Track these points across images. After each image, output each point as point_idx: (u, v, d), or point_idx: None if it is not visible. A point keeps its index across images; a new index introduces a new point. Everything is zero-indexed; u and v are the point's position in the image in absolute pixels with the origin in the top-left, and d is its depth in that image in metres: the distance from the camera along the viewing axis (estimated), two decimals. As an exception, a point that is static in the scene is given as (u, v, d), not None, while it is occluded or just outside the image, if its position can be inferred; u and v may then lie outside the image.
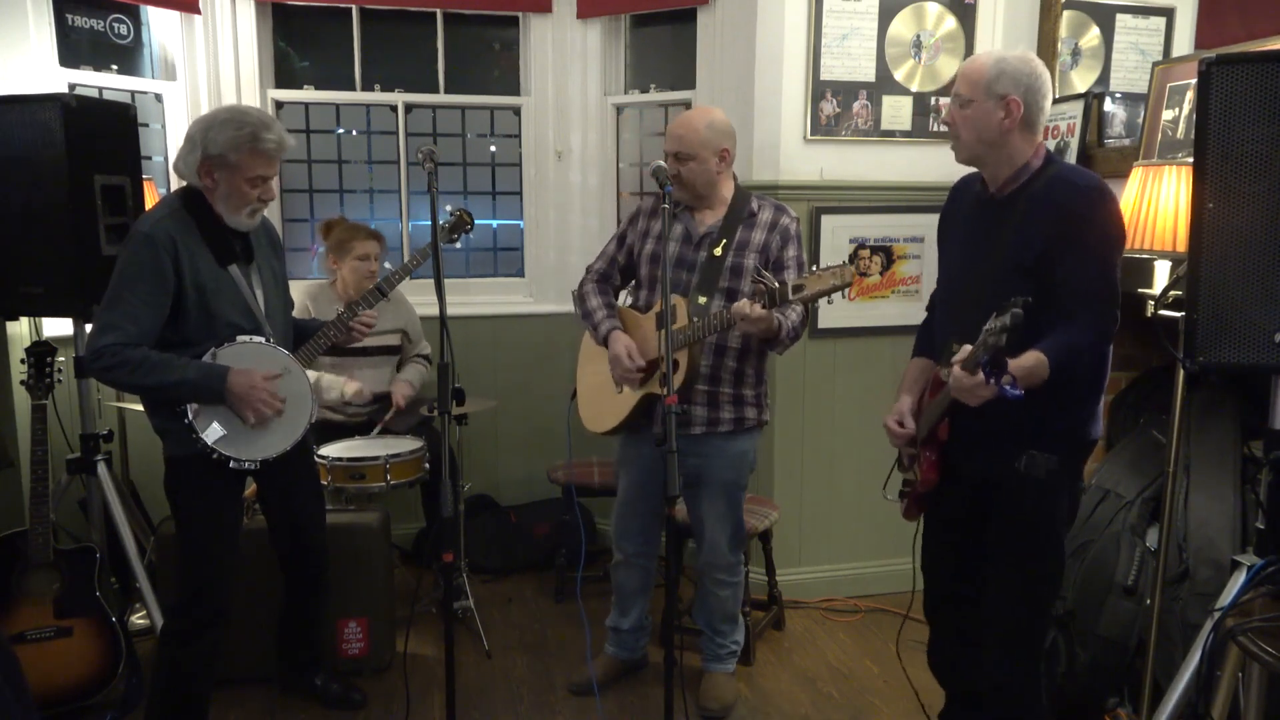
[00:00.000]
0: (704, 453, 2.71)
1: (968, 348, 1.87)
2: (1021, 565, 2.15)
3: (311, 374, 2.60)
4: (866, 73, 3.45)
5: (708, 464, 2.73)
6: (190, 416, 2.34)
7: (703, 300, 2.64)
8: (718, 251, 2.68)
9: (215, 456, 2.37)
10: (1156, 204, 2.32)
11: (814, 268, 2.40)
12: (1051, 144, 3.22)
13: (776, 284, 2.39)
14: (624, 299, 3.03)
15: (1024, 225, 2.02)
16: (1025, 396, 1.78)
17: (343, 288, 3.52)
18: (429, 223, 2.29)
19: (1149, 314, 2.32)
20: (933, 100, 3.53)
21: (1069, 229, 1.96)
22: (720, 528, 2.81)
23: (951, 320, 2.21)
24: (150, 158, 3.81)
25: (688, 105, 4.01)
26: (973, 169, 2.20)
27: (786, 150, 3.45)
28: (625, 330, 2.77)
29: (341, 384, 3.36)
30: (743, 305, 2.41)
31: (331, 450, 3.24)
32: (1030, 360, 1.88)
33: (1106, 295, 1.98)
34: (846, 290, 2.38)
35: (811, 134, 3.44)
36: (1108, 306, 1.99)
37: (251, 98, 3.88)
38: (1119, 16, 3.46)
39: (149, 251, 2.28)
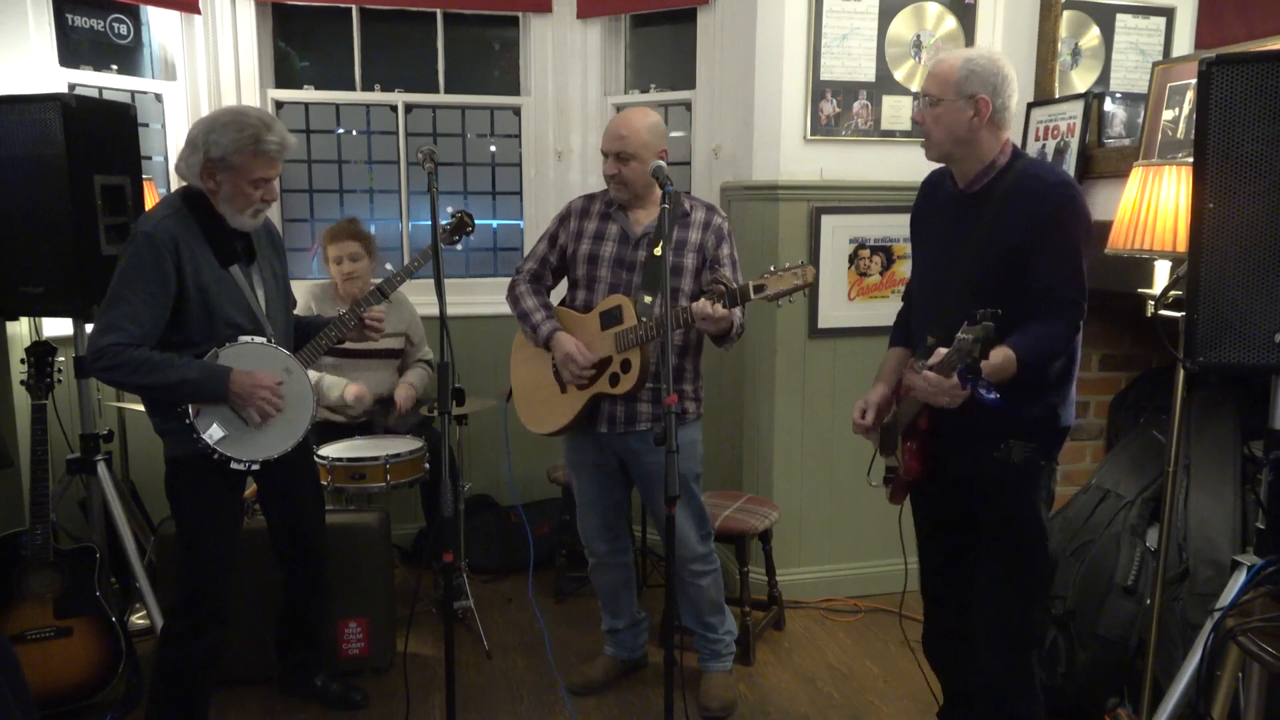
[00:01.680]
0: (651, 449, 2.72)
1: (942, 350, 1.90)
2: (1008, 555, 2.19)
3: (312, 374, 2.60)
4: (866, 73, 3.45)
5: (661, 458, 2.72)
6: (191, 417, 2.34)
7: (648, 300, 2.65)
8: (657, 251, 2.68)
9: (216, 457, 2.37)
10: (1156, 204, 2.32)
11: (771, 267, 2.42)
12: (1051, 144, 3.22)
13: (736, 285, 2.42)
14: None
15: (996, 220, 2.07)
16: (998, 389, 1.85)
17: (335, 291, 3.51)
18: (429, 223, 2.29)
19: (1149, 314, 2.32)
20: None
21: (1039, 226, 2.01)
22: (684, 519, 2.80)
23: (927, 313, 2.25)
24: (150, 158, 3.81)
25: (688, 105, 4.01)
26: (940, 165, 2.25)
27: (786, 150, 3.45)
28: (565, 331, 2.75)
29: (343, 386, 3.35)
30: (704, 306, 2.44)
31: (331, 450, 3.24)
32: (999, 358, 1.93)
33: (1075, 291, 2.03)
34: (807, 289, 2.40)
35: (811, 134, 3.44)
36: (1077, 302, 2.04)
37: (251, 98, 3.88)
38: (1119, 16, 3.46)
39: (150, 252, 2.28)
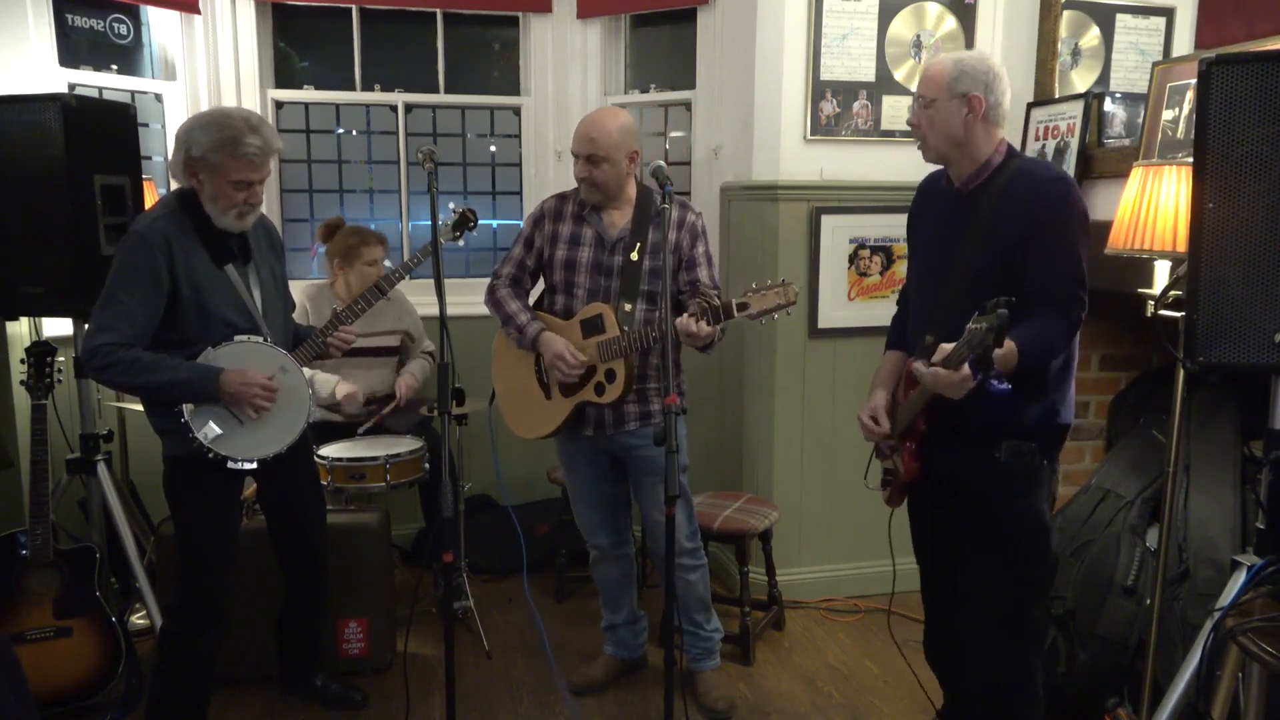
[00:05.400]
0: (644, 445, 2.72)
1: (946, 346, 1.89)
2: (1009, 556, 2.18)
3: (305, 372, 2.59)
4: (866, 73, 3.45)
5: (652, 454, 2.72)
6: (186, 416, 2.34)
7: (628, 307, 2.65)
8: (634, 256, 2.68)
9: (212, 456, 2.37)
10: (1156, 204, 2.32)
11: (754, 285, 2.42)
12: (1051, 144, 3.22)
13: (720, 302, 2.43)
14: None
15: (993, 219, 2.08)
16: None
17: (345, 291, 3.50)
18: (430, 222, 2.30)
19: (1149, 314, 2.33)
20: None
21: (1036, 223, 2.02)
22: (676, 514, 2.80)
23: (925, 314, 2.25)
24: (150, 158, 3.81)
25: (688, 105, 4.01)
26: (938, 166, 2.26)
27: (786, 150, 3.45)
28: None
29: (334, 383, 3.34)
30: (688, 324, 2.44)
31: (331, 450, 3.24)
32: (1003, 349, 1.90)
33: (1074, 286, 2.03)
34: (790, 308, 2.41)
35: (811, 134, 3.44)
36: (1076, 296, 2.04)
37: (251, 98, 3.88)
38: (1119, 16, 3.46)
39: (143, 252, 2.28)
